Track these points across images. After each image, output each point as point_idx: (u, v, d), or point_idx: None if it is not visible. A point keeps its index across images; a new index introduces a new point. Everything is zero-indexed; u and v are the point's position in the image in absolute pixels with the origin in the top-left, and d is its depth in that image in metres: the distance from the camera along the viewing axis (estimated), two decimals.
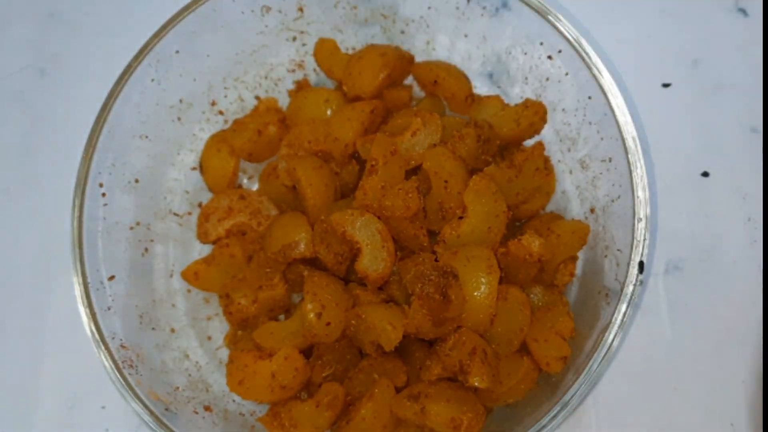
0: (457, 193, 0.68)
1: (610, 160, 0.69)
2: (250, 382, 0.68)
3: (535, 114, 0.75)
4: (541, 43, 0.73)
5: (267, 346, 0.69)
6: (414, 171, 0.72)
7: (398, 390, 0.68)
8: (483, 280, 0.63)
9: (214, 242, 0.78)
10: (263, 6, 0.78)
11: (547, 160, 0.75)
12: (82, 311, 0.67)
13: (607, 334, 0.62)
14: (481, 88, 0.82)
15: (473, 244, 0.66)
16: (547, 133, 0.78)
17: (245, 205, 0.78)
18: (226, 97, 0.83)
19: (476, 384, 0.62)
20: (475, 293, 0.63)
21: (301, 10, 0.80)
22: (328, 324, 0.66)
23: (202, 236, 0.78)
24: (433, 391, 0.64)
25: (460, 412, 0.62)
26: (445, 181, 0.68)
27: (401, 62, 0.78)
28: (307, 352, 0.71)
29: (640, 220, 0.64)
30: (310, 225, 0.72)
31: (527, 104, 0.75)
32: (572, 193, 0.77)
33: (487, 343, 0.65)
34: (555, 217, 0.75)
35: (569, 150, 0.77)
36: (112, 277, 0.71)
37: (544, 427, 0.62)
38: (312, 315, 0.66)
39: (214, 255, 0.76)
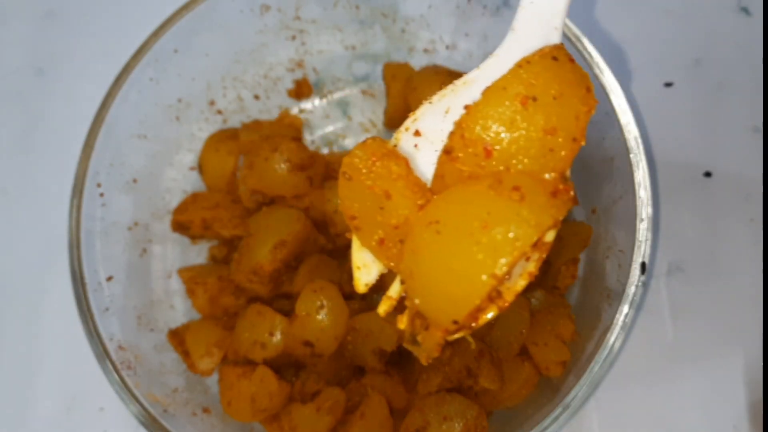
0: None
1: (611, 160, 0.69)
2: (236, 404, 0.68)
3: None
4: None
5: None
6: None
7: (398, 411, 0.67)
8: None
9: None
10: (262, 5, 0.77)
11: None
12: (80, 312, 0.66)
13: (608, 335, 0.62)
14: None
15: None
16: None
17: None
18: (224, 96, 0.83)
19: (487, 385, 0.61)
20: None
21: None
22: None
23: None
24: (429, 418, 0.63)
25: (464, 419, 0.62)
26: None
27: None
28: (296, 365, 0.71)
29: (642, 220, 0.63)
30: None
31: None
32: None
33: (488, 347, 0.65)
34: None
35: None
36: (110, 278, 0.71)
37: (545, 429, 0.61)
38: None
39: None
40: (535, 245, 0.38)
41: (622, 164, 0.66)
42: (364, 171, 0.43)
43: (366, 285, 0.49)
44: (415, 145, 0.45)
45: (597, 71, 0.66)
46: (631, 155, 0.64)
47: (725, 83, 0.84)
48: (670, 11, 0.87)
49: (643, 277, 0.62)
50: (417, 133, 0.45)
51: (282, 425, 0.67)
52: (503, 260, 0.36)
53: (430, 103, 0.47)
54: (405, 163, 0.43)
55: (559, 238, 0.68)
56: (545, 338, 0.66)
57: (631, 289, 0.62)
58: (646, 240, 0.63)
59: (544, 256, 0.41)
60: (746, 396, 0.74)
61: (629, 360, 0.74)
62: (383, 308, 0.49)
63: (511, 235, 0.36)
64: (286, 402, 0.69)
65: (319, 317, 0.66)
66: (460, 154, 0.40)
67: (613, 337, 0.62)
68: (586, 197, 0.75)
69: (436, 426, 0.62)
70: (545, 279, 0.71)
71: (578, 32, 0.67)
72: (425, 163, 0.45)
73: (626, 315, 0.62)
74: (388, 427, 0.66)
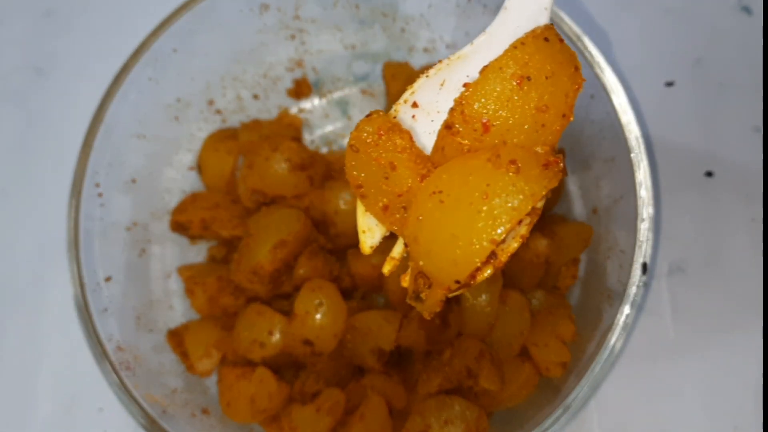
0: None
1: (612, 160, 0.69)
2: (235, 405, 0.68)
3: None
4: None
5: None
6: None
7: (397, 411, 0.67)
8: (485, 288, 0.63)
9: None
10: (261, 4, 0.77)
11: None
12: (79, 313, 0.66)
13: (609, 336, 0.62)
14: None
15: None
16: None
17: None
18: (224, 96, 0.82)
19: (487, 386, 0.61)
20: (476, 301, 0.63)
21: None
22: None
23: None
24: (430, 421, 0.63)
25: (465, 422, 0.62)
26: None
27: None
28: (296, 366, 0.71)
29: (643, 220, 0.63)
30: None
31: None
32: (575, 193, 0.76)
33: (488, 348, 0.65)
34: (558, 219, 0.75)
35: (571, 150, 0.76)
36: (108, 279, 0.70)
37: (546, 430, 0.61)
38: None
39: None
40: (528, 212, 0.42)
41: (623, 164, 0.66)
42: (370, 144, 0.46)
43: (371, 247, 0.52)
44: (413, 116, 0.49)
45: (598, 70, 0.66)
46: (632, 155, 0.64)
47: (726, 83, 0.84)
48: (671, 10, 0.87)
49: (644, 278, 0.62)
50: (415, 105, 0.49)
51: (282, 426, 0.67)
52: (501, 227, 0.41)
53: (427, 76, 0.50)
54: (408, 136, 0.47)
55: (560, 238, 0.69)
56: (546, 339, 0.66)
57: (632, 290, 0.62)
58: (647, 240, 0.63)
59: (535, 220, 0.45)
60: (747, 396, 0.74)
61: (630, 360, 0.74)
62: (387, 268, 0.52)
63: (508, 204, 0.41)
64: (285, 403, 0.69)
65: (318, 315, 0.66)
66: (460, 129, 0.44)
67: (614, 337, 0.61)
68: (587, 197, 0.75)
69: (438, 430, 0.62)
70: (546, 279, 0.71)
71: (579, 31, 0.67)
72: (423, 133, 0.48)
73: (627, 315, 0.62)
74: (387, 428, 0.66)
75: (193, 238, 0.80)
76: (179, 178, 0.81)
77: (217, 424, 0.71)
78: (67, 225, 0.68)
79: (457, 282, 0.43)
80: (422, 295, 0.47)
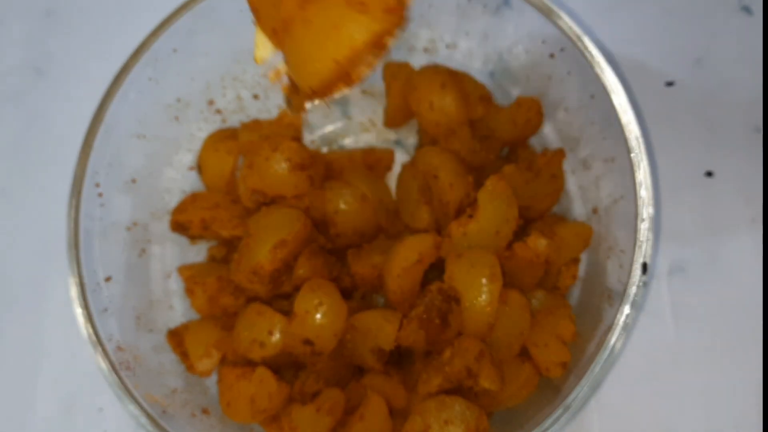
0: (449, 185, 0.68)
1: (612, 160, 0.69)
2: (235, 405, 0.67)
3: (529, 110, 0.74)
4: (543, 42, 0.72)
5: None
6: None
7: (397, 411, 0.67)
8: (485, 288, 0.63)
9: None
10: None
11: (559, 165, 0.75)
12: (79, 313, 0.66)
13: (609, 336, 0.62)
14: None
15: (479, 248, 0.65)
16: (549, 133, 0.78)
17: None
18: (224, 96, 0.82)
19: (487, 386, 0.61)
20: (476, 301, 0.63)
21: None
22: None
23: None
24: (430, 421, 0.63)
25: (465, 422, 0.62)
26: (435, 176, 0.69)
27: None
28: (295, 366, 0.71)
29: (643, 220, 0.63)
30: None
31: (520, 102, 0.75)
32: (575, 193, 0.76)
33: (488, 348, 0.65)
34: (557, 219, 0.75)
35: (571, 150, 0.76)
36: (108, 279, 0.70)
37: (546, 430, 0.61)
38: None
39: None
40: (376, 45, 0.53)
41: (623, 164, 0.66)
42: None
43: (262, 59, 0.65)
44: None
45: (598, 70, 0.66)
46: (632, 155, 0.64)
47: (726, 83, 0.84)
48: (671, 10, 0.87)
49: (644, 277, 0.62)
50: None
51: (282, 426, 0.67)
52: (344, 50, 0.53)
53: None
54: None
55: (560, 238, 0.69)
56: (546, 339, 0.66)
57: (632, 290, 0.62)
58: (648, 240, 0.63)
59: (382, 55, 0.54)
60: (747, 396, 0.74)
61: (630, 360, 0.74)
62: (272, 76, 0.65)
63: (352, 34, 0.52)
64: (285, 403, 0.68)
65: (318, 315, 0.66)
66: None
67: (614, 337, 0.61)
68: (587, 197, 0.75)
69: (437, 430, 0.62)
70: (546, 279, 0.71)
71: (579, 31, 0.67)
72: None
73: (627, 315, 0.62)
74: (387, 428, 0.66)
75: (193, 238, 0.80)
76: (179, 178, 0.81)
77: (217, 424, 0.71)
78: (67, 225, 0.68)
79: (314, 91, 0.57)
80: (291, 99, 0.62)
